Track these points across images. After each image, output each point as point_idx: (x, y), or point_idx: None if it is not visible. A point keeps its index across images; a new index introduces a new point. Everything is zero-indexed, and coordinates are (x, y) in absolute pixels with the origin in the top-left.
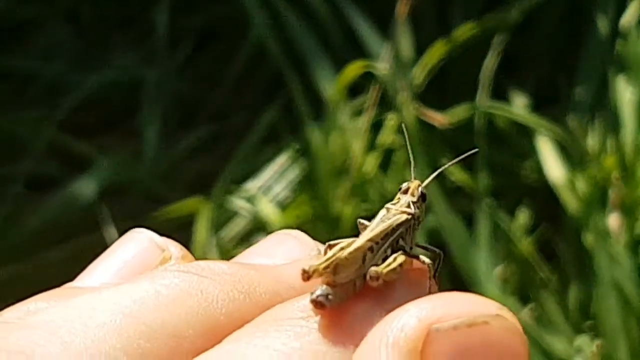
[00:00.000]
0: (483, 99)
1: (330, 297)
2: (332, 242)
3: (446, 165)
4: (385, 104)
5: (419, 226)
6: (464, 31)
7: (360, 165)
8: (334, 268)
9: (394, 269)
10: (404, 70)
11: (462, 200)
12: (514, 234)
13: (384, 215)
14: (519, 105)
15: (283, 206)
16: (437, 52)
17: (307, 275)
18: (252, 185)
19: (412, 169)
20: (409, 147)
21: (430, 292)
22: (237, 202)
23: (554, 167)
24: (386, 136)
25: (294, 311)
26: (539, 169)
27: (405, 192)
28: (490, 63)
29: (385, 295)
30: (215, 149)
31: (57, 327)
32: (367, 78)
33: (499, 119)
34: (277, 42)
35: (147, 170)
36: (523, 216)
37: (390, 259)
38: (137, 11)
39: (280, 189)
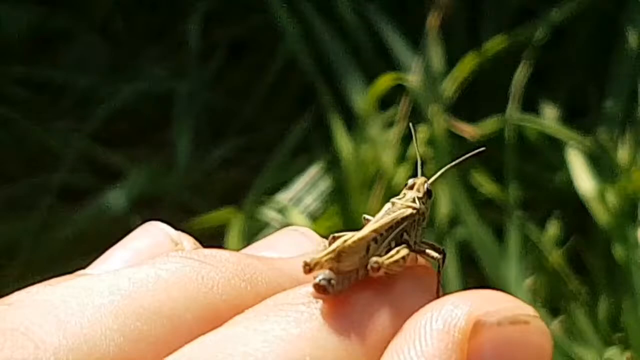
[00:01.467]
0: (513, 112)
1: (332, 282)
2: (336, 234)
3: (453, 163)
4: (416, 116)
5: (425, 222)
6: (495, 44)
7: (391, 177)
8: (338, 255)
9: (397, 261)
10: (434, 83)
11: (492, 212)
12: (544, 246)
13: (388, 209)
14: (549, 118)
15: (314, 217)
16: (467, 64)
17: (308, 268)
18: (283, 197)
19: (419, 166)
20: (416, 147)
21: (437, 290)
22: (268, 213)
23: (584, 180)
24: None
25: (295, 298)
26: (569, 181)
27: (411, 188)
28: (520, 75)
29: (388, 286)
30: (246, 160)
31: (53, 307)
32: (398, 90)
33: (529, 131)
34: (309, 54)
35: (178, 181)
36: (553, 228)
37: (393, 252)
38: (169, 23)
39: (311, 200)
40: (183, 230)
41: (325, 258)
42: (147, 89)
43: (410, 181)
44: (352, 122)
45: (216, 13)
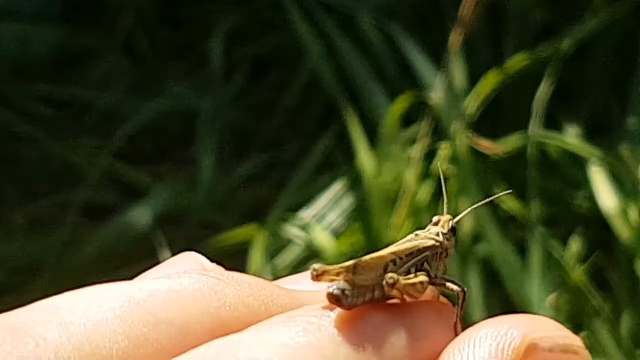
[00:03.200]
0: (536, 128)
1: (347, 292)
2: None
3: (480, 203)
4: (439, 132)
5: (447, 259)
6: (517, 61)
7: (413, 194)
8: (353, 267)
9: (414, 284)
10: (457, 100)
11: (515, 228)
12: (566, 262)
13: (411, 238)
14: (571, 135)
15: (337, 234)
16: (490, 81)
17: (316, 274)
18: (307, 214)
19: (444, 203)
20: (441, 173)
21: (455, 324)
22: (292, 230)
23: (606, 196)
24: (439, 165)
25: (307, 311)
26: (591, 198)
27: (436, 224)
28: (543, 92)
29: (405, 310)
30: (269, 177)
31: (57, 309)
32: (421, 107)
33: (551, 148)
34: (332, 72)
35: (202, 198)
36: (576, 245)
37: (412, 275)
38: (192, 41)
39: (334, 217)
40: (206, 248)
41: (338, 268)
42: (170, 107)
43: (435, 218)
44: (375, 139)
45: (239, 31)
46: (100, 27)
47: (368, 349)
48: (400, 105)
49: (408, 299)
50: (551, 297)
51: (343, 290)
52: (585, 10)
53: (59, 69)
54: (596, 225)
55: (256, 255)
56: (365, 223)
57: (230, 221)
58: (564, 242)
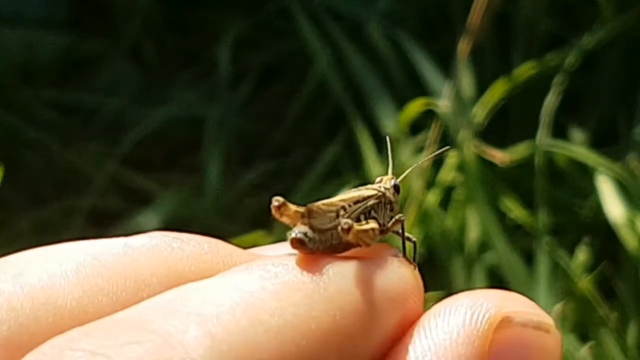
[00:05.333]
0: (543, 137)
1: (309, 235)
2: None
3: (422, 160)
4: (446, 141)
5: (392, 212)
6: (525, 70)
7: (421, 201)
8: (308, 211)
9: (366, 231)
10: (465, 108)
11: (522, 238)
12: (573, 272)
13: (355, 190)
14: (579, 144)
15: None
16: (498, 90)
17: (277, 205)
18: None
19: (389, 168)
20: (390, 157)
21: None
22: None
23: (613, 206)
24: (447, 173)
25: (264, 260)
26: (598, 208)
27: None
28: (550, 101)
29: (361, 261)
30: (277, 185)
31: (15, 263)
32: (428, 115)
33: (559, 157)
34: (339, 79)
35: (209, 205)
36: (583, 254)
37: (363, 222)
38: (199, 48)
39: None
40: None
41: (296, 207)
42: (177, 114)
43: (378, 178)
44: (383, 147)
45: (247, 38)
46: (107, 33)
47: (323, 296)
48: (408, 113)
49: (362, 246)
50: (558, 307)
51: (305, 234)
52: (593, 20)
53: (65, 75)
54: (603, 235)
55: None
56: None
57: (237, 228)
58: (571, 251)
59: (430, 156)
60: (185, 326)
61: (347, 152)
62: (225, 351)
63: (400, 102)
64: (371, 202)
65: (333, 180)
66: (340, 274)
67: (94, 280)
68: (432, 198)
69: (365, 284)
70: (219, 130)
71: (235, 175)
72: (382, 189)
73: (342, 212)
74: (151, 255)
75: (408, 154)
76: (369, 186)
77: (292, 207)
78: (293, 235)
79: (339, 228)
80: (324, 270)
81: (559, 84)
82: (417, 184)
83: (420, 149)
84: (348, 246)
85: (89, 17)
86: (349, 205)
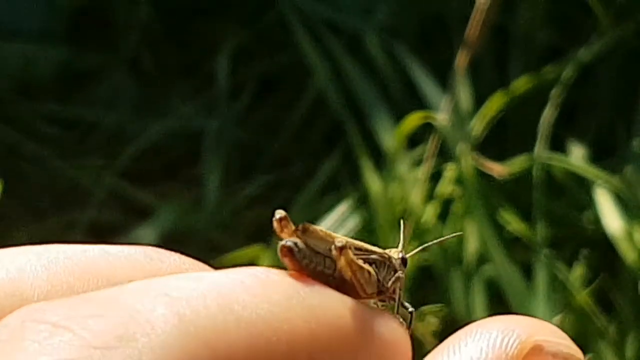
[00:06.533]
0: (541, 150)
1: (299, 246)
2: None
3: (436, 241)
4: (444, 154)
5: (394, 279)
6: (523, 83)
7: (419, 215)
8: (304, 228)
9: (362, 268)
10: (462, 121)
11: (520, 250)
12: (571, 284)
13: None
14: (577, 157)
15: None
16: (495, 103)
17: (279, 218)
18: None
19: (400, 244)
20: (402, 236)
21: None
22: None
23: (611, 219)
24: (445, 186)
25: (244, 268)
26: (596, 220)
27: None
28: (548, 114)
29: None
30: (275, 198)
31: None
32: (427, 128)
33: (557, 169)
34: (337, 92)
35: (207, 218)
36: (581, 267)
37: (362, 261)
38: (198, 61)
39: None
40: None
41: (292, 226)
42: (176, 126)
43: (387, 250)
44: (381, 160)
45: (245, 50)
46: (105, 46)
47: (302, 303)
48: (406, 126)
49: (356, 285)
50: (556, 319)
51: (296, 244)
52: (590, 32)
53: (64, 88)
54: (601, 248)
55: None
56: (371, 243)
57: (235, 241)
58: (569, 264)
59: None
60: (154, 305)
61: (345, 164)
62: (192, 332)
63: (398, 115)
64: (374, 256)
65: (332, 193)
66: (327, 292)
67: (65, 277)
68: (431, 211)
69: (354, 313)
70: (217, 143)
71: (233, 188)
72: (389, 254)
73: None
74: (128, 261)
75: (406, 167)
76: (374, 248)
77: (292, 225)
78: (283, 242)
79: (333, 246)
80: (308, 282)
81: (557, 96)
82: (415, 197)
83: (418, 162)
84: (341, 285)
85: (87, 30)
86: (349, 248)
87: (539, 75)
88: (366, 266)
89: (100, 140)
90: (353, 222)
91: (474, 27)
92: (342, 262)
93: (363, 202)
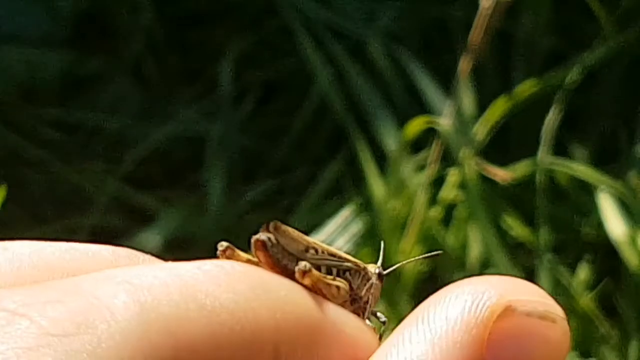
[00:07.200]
0: (544, 155)
1: (272, 241)
2: None
3: (409, 260)
4: (448, 159)
5: (368, 286)
6: (526, 88)
7: (423, 219)
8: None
9: (329, 284)
10: (466, 126)
11: (523, 255)
12: (574, 289)
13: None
14: (580, 161)
15: None
16: (499, 108)
17: (222, 250)
18: (316, 239)
19: (380, 258)
20: (382, 247)
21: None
22: None
23: (615, 224)
24: (448, 191)
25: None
26: (600, 225)
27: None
28: (551, 119)
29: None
30: (278, 203)
31: None
32: (430, 133)
33: (560, 174)
34: (341, 97)
35: (211, 223)
36: (584, 272)
37: (332, 277)
38: (201, 66)
39: (343, 243)
40: None
41: (246, 256)
42: (179, 132)
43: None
44: (384, 165)
45: (248, 56)
46: (108, 51)
47: (267, 294)
48: (409, 131)
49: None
50: None
51: (269, 238)
52: (594, 37)
53: (67, 93)
54: (605, 253)
55: None
56: (374, 249)
57: (239, 246)
58: (572, 269)
59: None
60: (114, 292)
61: (348, 169)
62: (153, 320)
63: (402, 120)
64: (348, 264)
65: (335, 198)
66: (292, 285)
67: (29, 271)
68: (434, 216)
69: (318, 307)
70: (220, 148)
71: (237, 193)
72: (363, 265)
73: (311, 251)
74: (96, 258)
75: (409, 172)
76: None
77: (243, 255)
78: (257, 236)
79: (297, 268)
80: (274, 275)
81: (560, 102)
82: (418, 202)
83: (421, 167)
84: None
85: (90, 35)
86: (322, 252)
87: (542, 81)
88: (334, 282)
89: (103, 145)
90: (356, 227)
91: (477, 33)
92: (306, 283)
93: (366, 207)
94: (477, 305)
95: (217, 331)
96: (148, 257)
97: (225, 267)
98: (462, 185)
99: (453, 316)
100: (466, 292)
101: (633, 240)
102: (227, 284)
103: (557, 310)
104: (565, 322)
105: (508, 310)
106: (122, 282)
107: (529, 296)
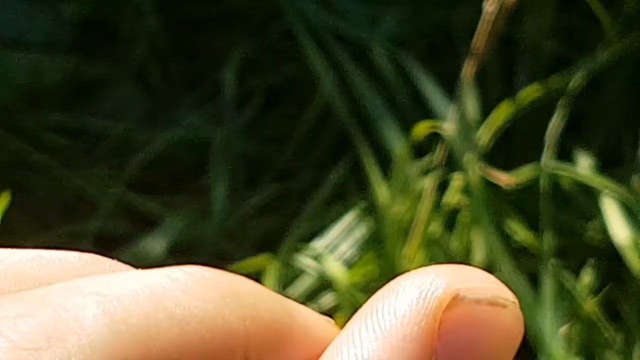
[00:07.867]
0: (548, 160)
1: None
2: None
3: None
4: (451, 163)
5: None
6: (530, 92)
7: (427, 224)
8: None
9: None
10: (469, 131)
11: (527, 260)
12: (578, 294)
13: None
14: (583, 166)
15: (349, 265)
16: (502, 113)
17: None
18: (319, 244)
19: None
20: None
21: None
22: (304, 261)
23: (619, 228)
24: (452, 196)
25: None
26: (604, 230)
27: None
28: (555, 124)
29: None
30: (282, 208)
31: None
32: (434, 138)
33: (564, 179)
34: (344, 102)
35: (214, 228)
36: (588, 276)
37: None
38: (204, 71)
39: (347, 248)
40: None
41: None
42: (182, 137)
43: None
44: (388, 170)
45: (252, 61)
46: (112, 57)
47: (236, 302)
48: (413, 135)
49: None
50: (563, 329)
51: None
52: (597, 42)
53: (71, 99)
54: (608, 257)
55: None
56: (378, 253)
57: (242, 251)
58: (576, 273)
59: None
60: (84, 304)
61: (352, 174)
62: (124, 331)
63: (405, 125)
64: None
65: (339, 203)
66: (267, 293)
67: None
68: (438, 221)
69: (288, 311)
70: (224, 153)
71: (240, 198)
72: None
73: None
74: (62, 265)
75: (413, 176)
76: None
77: None
78: None
79: None
80: (248, 283)
81: (564, 106)
82: (422, 207)
83: (425, 172)
84: None
85: (94, 40)
86: None
87: (546, 85)
88: None
89: (106, 150)
90: (360, 232)
91: (480, 37)
92: None
93: (370, 212)
94: (425, 297)
95: (187, 340)
96: (114, 262)
97: (194, 275)
98: (466, 190)
99: (401, 310)
100: (414, 283)
101: (637, 245)
102: (197, 292)
103: (507, 295)
104: (517, 307)
105: (456, 299)
106: (91, 293)
107: (478, 283)
